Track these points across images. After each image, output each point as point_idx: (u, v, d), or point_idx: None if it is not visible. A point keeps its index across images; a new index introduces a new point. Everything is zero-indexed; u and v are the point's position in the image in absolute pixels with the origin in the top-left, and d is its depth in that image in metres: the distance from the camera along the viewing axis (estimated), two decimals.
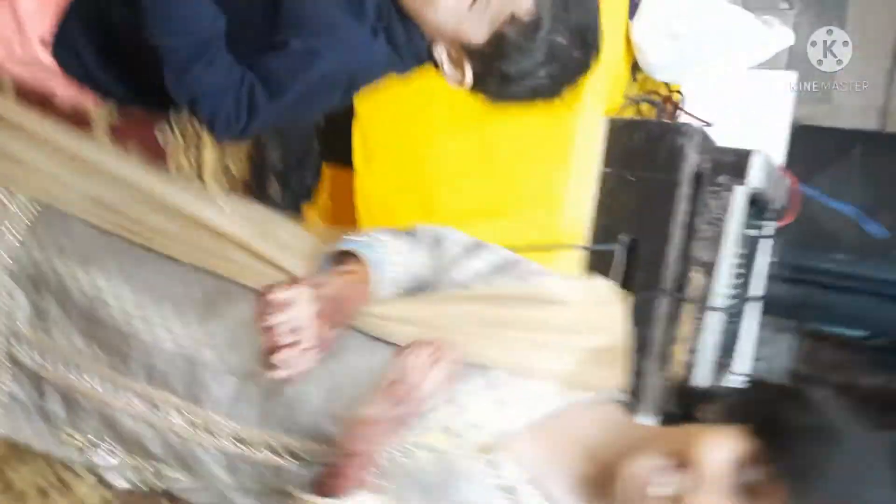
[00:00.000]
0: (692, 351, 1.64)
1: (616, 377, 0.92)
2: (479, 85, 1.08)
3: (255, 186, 1.93)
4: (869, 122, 2.55)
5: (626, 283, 1.62)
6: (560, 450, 0.86)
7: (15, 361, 1.01)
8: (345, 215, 1.90)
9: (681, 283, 1.64)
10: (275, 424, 0.89)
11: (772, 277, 1.97)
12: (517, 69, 1.03)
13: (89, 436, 0.98)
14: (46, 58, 1.13)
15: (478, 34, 1.01)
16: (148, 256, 0.97)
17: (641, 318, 1.59)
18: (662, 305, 1.59)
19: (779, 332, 2.56)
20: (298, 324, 0.76)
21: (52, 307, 0.98)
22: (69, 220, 1.01)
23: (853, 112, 2.55)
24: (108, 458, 0.98)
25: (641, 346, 1.58)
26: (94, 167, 1.00)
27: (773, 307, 2.08)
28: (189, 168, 1.77)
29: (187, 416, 0.92)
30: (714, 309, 1.61)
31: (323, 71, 1.01)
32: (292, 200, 2.01)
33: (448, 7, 1.00)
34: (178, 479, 0.96)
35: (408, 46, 1.05)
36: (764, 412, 0.78)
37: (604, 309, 0.93)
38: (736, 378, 1.89)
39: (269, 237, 0.96)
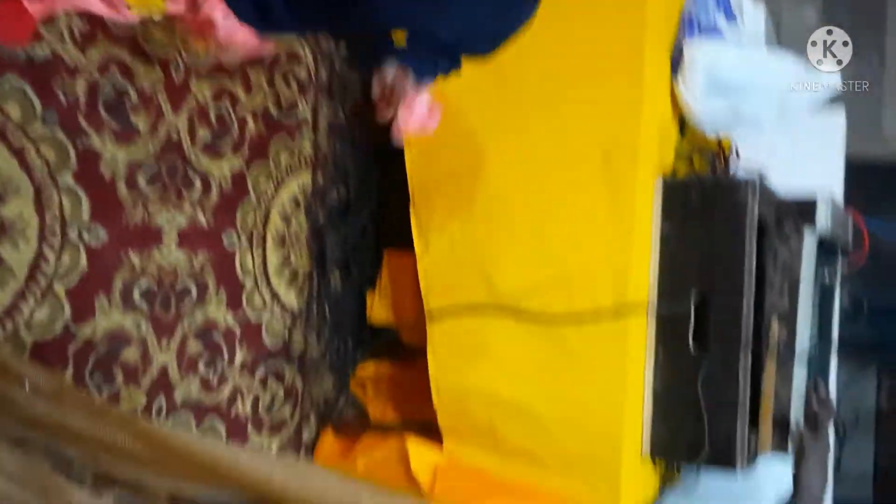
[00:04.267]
0: (781, 404, 1.59)
1: None
2: None
3: (318, 277, 1.97)
4: None
5: (702, 340, 1.59)
6: None
7: None
8: (408, 298, 1.92)
9: (758, 335, 1.60)
10: None
11: (846, 319, 1.92)
12: None
13: None
14: None
15: None
16: None
17: (724, 375, 1.56)
18: (743, 361, 1.56)
19: (859, 372, 2.47)
20: None
21: None
22: None
23: None
24: None
25: (728, 403, 1.54)
26: None
27: (850, 349, 2.02)
28: (254, 265, 1.81)
29: None
30: (798, 359, 1.57)
31: None
32: (355, 288, 2.03)
33: None
34: None
35: None
36: None
37: None
38: None
39: None
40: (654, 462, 1.71)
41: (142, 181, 1.55)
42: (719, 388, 1.57)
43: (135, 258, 1.54)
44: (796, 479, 1.55)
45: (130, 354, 1.55)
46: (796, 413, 1.64)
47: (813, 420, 1.59)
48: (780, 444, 1.69)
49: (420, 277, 1.79)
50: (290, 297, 1.91)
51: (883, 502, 2.79)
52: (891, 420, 2.52)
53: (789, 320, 1.61)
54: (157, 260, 1.58)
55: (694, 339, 1.60)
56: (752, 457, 1.64)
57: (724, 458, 1.57)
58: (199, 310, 1.68)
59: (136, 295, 1.55)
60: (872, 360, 2.45)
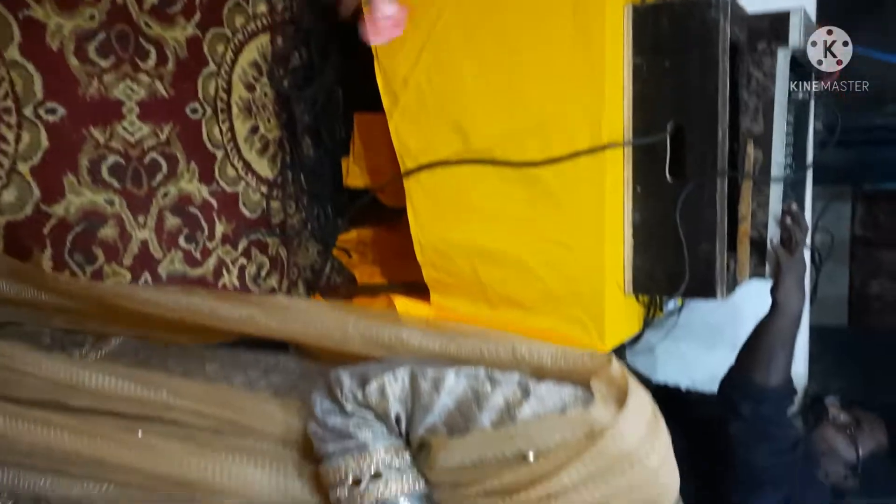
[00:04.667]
0: (758, 227, 1.62)
1: None
2: None
3: (289, 144, 1.93)
4: None
5: (679, 171, 1.59)
6: None
7: None
8: (382, 159, 1.90)
9: (733, 161, 1.61)
10: None
11: (820, 144, 1.92)
12: None
13: None
14: None
15: None
16: None
17: (702, 202, 1.57)
18: (720, 186, 1.56)
19: (833, 198, 2.50)
20: None
21: None
22: None
23: None
24: None
25: (707, 230, 1.56)
26: None
27: (824, 174, 2.03)
28: (222, 136, 1.77)
29: None
30: (775, 181, 1.58)
31: None
32: (328, 155, 2.00)
33: None
34: None
35: None
36: None
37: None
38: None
39: None
40: (637, 299, 1.75)
41: (92, 52, 1.48)
42: (697, 215, 1.58)
43: (98, 134, 1.50)
44: (774, 297, 1.59)
45: (108, 232, 1.53)
46: (773, 236, 1.67)
47: (788, 238, 1.62)
48: (757, 269, 1.73)
49: (392, 137, 1.76)
50: (264, 167, 1.88)
51: (857, 327, 2.90)
52: (865, 246, 2.58)
53: (764, 143, 1.61)
54: (121, 134, 1.54)
55: (670, 170, 1.60)
56: (731, 283, 1.68)
57: (704, 286, 1.61)
58: (172, 184, 1.65)
59: (105, 171, 1.52)
60: (847, 186, 2.48)
